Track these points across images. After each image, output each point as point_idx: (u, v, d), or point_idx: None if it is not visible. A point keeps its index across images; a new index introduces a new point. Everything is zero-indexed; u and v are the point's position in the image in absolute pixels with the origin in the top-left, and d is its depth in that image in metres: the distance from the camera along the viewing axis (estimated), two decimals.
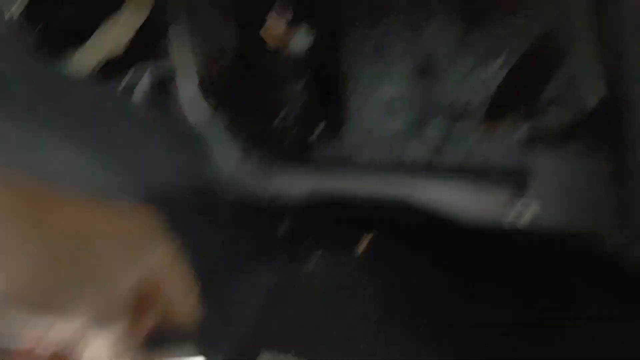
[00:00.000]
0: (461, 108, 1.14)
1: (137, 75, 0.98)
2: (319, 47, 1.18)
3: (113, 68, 0.95)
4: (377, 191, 0.90)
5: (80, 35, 0.93)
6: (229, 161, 1.00)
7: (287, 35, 1.09)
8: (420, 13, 1.14)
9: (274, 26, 1.05)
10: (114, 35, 0.93)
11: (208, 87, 0.97)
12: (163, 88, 0.97)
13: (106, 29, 0.94)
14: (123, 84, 0.96)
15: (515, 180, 0.70)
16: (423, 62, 1.19)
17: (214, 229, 0.92)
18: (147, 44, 0.97)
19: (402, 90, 1.24)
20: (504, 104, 0.94)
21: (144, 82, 0.96)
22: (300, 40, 1.11)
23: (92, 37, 0.93)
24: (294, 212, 1.01)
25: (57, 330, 0.29)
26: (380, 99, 1.29)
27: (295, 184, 0.97)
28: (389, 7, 1.19)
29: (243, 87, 1.08)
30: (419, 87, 1.21)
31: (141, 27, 0.93)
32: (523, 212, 0.70)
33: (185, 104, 0.95)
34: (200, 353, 0.66)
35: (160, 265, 0.34)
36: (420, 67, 1.20)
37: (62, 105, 0.62)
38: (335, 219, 1.13)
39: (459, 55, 1.12)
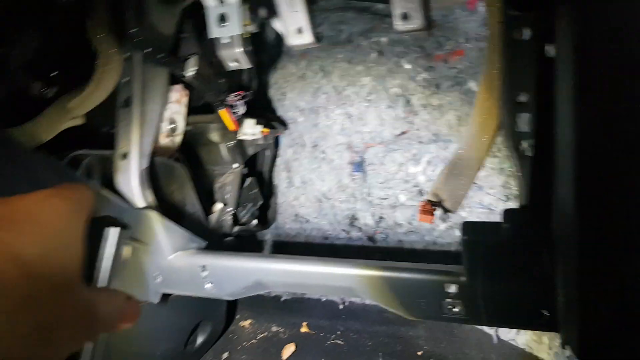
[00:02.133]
0: (394, 198, 1.23)
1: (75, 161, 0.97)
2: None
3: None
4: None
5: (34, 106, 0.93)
6: (166, 246, 0.98)
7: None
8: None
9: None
10: (73, 108, 0.93)
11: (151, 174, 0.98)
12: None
13: (63, 102, 0.95)
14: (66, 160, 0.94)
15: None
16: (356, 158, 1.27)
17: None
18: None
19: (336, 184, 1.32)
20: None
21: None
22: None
23: (48, 108, 0.93)
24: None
25: None
26: (316, 191, 1.35)
27: None
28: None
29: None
30: (353, 181, 1.29)
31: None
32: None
33: (128, 191, 0.95)
34: None
35: None
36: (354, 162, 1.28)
37: None
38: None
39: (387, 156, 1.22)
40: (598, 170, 0.34)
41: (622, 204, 0.35)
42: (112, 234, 0.44)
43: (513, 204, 1.07)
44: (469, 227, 0.65)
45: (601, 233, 0.37)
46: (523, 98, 0.60)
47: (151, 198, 0.98)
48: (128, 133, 0.93)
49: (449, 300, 0.71)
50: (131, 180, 0.95)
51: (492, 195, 1.09)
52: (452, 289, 0.69)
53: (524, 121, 0.60)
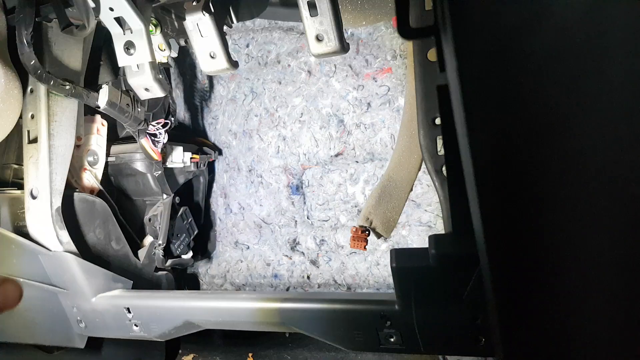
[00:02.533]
0: (334, 220, 1.20)
1: None
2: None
3: None
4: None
5: None
6: (87, 289, 0.92)
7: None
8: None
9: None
10: None
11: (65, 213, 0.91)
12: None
13: None
14: None
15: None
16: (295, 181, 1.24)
17: None
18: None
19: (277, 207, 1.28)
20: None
21: None
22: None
23: None
24: None
25: None
26: (255, 217, 1.31)
27: None
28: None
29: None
30: (294, 204, 1.25)
31: None
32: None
33: (41, 234, 0.87)
34: None
35: None
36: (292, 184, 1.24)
37: None
38: None
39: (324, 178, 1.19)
40: (499, 186, 0.32)
41: (530, 219, 0.33)
42: None
43: None
44: (397, 255, 0.62)
45: (513, 250, 0.35)
46: (438, 121, 0.58)
47: (67, 239, 0.90)
48: (36, 170, 0.86)
49: (385, 330, 0.68)
50: (43, 221, 0.87)
51: (430, 212, 1.07)
52: (387, 319, 0.66)
53: (441, 144, 0.58)
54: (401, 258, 0.64)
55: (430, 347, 0.68)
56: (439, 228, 1.08)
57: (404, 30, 0.41)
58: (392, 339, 0.70)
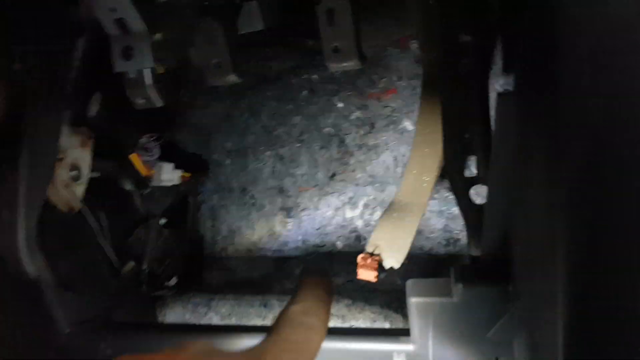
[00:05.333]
0: (330, 246, 1.14)
1: None
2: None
3: None
4: None
5: None
6: (61, 319, 0.83)
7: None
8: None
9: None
10: None
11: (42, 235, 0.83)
12: None
13: None
14: None
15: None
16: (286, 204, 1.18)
17: None
18: None
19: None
20: None
21: None
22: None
23: None
24: None
25: None
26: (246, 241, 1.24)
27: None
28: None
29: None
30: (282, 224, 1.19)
31: None
32: None
33: (12, 257, 0.79)
34: None
35: None
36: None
37: None
38: None
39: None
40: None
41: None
42: None
43: (453, 248, 1.01)
44: (415, 286, 0.57)
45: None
46: (469, 137, 0.53)
47: (41, 263, 0.82)
48: (13, 185, 0.78)
49: None
50: (16, 242, 0.79)
51: (432, 240, 1.02)
52: (400, 358, 0.60)
53: (472, 164, 0.53)
54: (419, 290, 0.58)
55: None
56: (442, 257, 1.03)
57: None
58: None
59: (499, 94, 0.36)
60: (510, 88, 0.32)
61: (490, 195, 0.45)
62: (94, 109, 0.82)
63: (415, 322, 0.59)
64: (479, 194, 0.54)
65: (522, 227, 0.41)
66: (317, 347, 0.31)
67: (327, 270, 0.36)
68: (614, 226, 0.24)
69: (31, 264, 0.79)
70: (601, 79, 0.25)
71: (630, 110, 0.26)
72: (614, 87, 0.25)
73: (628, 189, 0.23)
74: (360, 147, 1.08)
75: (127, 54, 0.72)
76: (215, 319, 1.28)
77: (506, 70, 0.39)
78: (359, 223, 1.10)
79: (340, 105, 1.09)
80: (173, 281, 1.20)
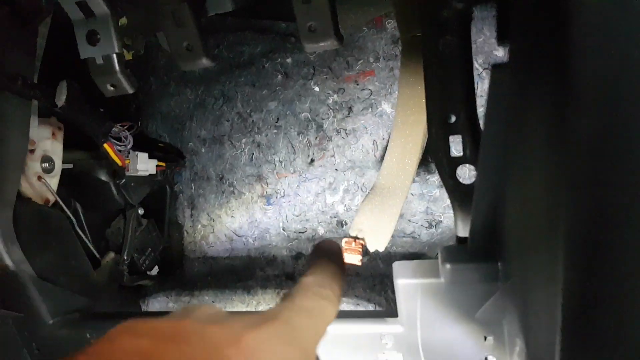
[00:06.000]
0: (312, 231, 1.12)
1: None
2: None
3: None
4: None
5: None
6: (43, 310, 0.81)
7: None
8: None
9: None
10: None
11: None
12: None
13: None
14: None
15: None
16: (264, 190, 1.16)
17: None
18: None
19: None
20: None
21: None
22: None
23: None
24: None
25: None
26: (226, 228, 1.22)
27: None
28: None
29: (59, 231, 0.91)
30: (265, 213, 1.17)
31: None
32: None
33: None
34: None
35: None
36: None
37: None
38: None
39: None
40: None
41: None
42: None
43: (435, 231, 1.01)
44: (402, 268, 0.56)
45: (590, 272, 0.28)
46: (454, 118, 0.52)
47: (20, 256, 0.79)
48: None
49: (384, 354, 0.61)
50: None
51: (414, 223, 1.02)
52: (388, 340, 0.60)
53: (458, 144, 0.52)
54: (406, 272, 0.58)
55: None
56: (424, 239, 1.03)
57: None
58: None
59: (493, 66, 0.35)
60: (504, 60, 0.31)
61: (480, 173, 0.44)
62: (61, 98, 0.79)
63: (402, 304, 0.58)
64: (465, 174, 0.53)
65: (515, 206, 0.40)
66: (331, 318, 0.31)
67: (338, 245, 0.35)
68: (620, 211, 0.24)
69: (9, 257, 0.77)
70: (614, 50, 0.24)
71: None
72: (629, 59, 0.24)
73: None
74: (338, 131, 1.06)
75: (92, 39, 0.68)
76: None
77: (500, 40, 0.37)
78: (340, 208, 1.09)
79: (316, 89, 1.07)
80: (155, 270, 1.18)
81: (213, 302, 1.25)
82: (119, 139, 0.93)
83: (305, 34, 0.62)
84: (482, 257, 0.50)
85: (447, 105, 0.52)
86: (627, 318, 0.25)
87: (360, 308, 1.10)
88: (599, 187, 0.24)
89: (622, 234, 0.24)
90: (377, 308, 1.07)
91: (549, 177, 0.28)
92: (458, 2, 0.44)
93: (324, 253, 0.35)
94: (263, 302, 1.20)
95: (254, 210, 1.17)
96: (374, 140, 1.04)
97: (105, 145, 0.89)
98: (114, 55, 0.68)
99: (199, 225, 1.25)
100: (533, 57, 0.28)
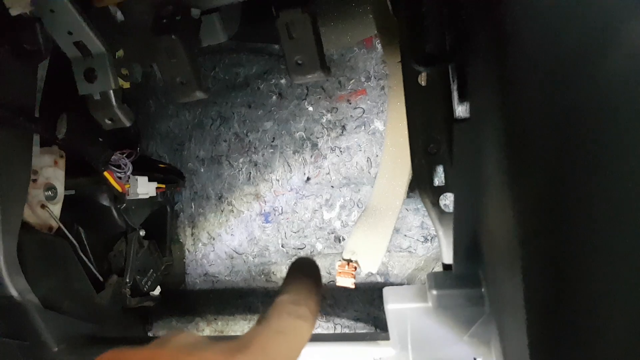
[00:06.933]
0: (310, 247, 1.15)
1: None
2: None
3: None
4: None
5: None
6: (48, 338, 0.84)
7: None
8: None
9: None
10: None
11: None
12: None
13: None
14: None
15: None
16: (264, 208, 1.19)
17: None
18: None
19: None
20: None
21: None
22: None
23: None
24: None
25: None
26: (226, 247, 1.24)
27: None
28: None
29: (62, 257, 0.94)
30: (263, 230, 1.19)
31: None
32: None
33: (3, 273, 0.79)
34: None
35: None
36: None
37: None
38: None
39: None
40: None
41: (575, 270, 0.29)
42: None
43: (431, 245, 1.03)
44: (391, 294, 0.58)
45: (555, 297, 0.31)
46: (435, 148, 0.54)
47: (24, 284, 0.82)
48: None
49: None
50: None
51: (410, 238, 1.04)
52: None
53: (440, 174, 0.54)
54: (395, 297, 0.60)
55: None
56: (420, 254, 1.05)
57: (420, 57, 0.37)
58: None
59: (455, 121, 0.37)
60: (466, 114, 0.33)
61: (456, 206, 0.46)
62: (62, 130, 0.81)
63: (394, 328, 0.60)
64: (448, 203, 0.55)
65: (488, 234, 0.42)
66: (307, 336, 0.31)
67: (315, 261, 0.36)
68: (567, 247, 0.26)
69: (14, 287, 0.79)
70: (553, 114, 0.27)
71: (578, 143, 0.27)
72: (567, 126, 0.26)
73: (576, 210, 0.25)
74: (333, 149, 1.08)
75: (90, 76, 0.71)
76: (201, 325, 1.29)
77: (461, 98, 0.40)
78: (337, 224, 1.11)
79: (310, 108, 1.09)
80: (157, 291, 1.20)
81: (215, 319, 1.27)
82: (118, 166, 0.95)
83: (292, 67, 0.64)
84: (466, 283, 0.52)
85: (428, 135, 0.54)
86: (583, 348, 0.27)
87: (360, 323, 1.12)
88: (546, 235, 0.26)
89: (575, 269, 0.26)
90: (377, 323, 1.09)
91: (505, 219, 0.30)
92: (414, 65, 0.46)
93: (299, 269, 0.36)
94: None
95: (252, 227, 1.20)
96: (368, 157, 1.06)
97: (106, 173, 0.92)
98: (111, 92, 0.70)
99: (200, 244, 1.27)
100: (486, 116, 0.30)
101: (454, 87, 0.47)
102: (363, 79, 1.06)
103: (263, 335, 0.29)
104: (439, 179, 0.55)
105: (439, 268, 0.64)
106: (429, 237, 1.02)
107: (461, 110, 0.47)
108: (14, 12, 0.66)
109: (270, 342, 0.29)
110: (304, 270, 0.35)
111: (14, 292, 0.81)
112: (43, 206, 0.94)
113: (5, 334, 0.84)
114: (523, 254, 0.30)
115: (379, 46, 1.05)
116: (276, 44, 1.10)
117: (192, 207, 1.27)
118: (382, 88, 1.04)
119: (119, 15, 0.71)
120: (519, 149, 0.30)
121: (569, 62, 0.30)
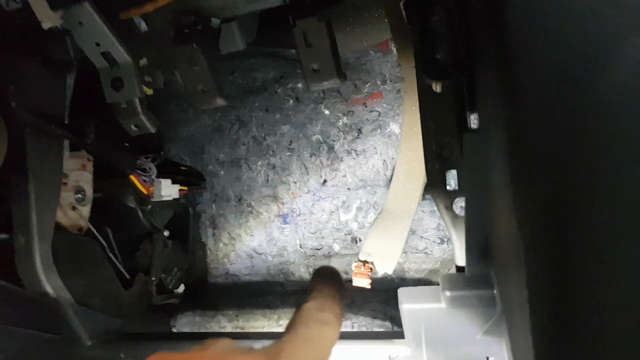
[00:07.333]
0: (327, 248, 1.17)
1: None
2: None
3: None
4: None
5: None
6: (82, 333, 0.88)
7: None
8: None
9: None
10: None
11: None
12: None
13: None
14: None
15: None
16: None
17: None
18: None
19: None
20: None
21: None
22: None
23: None
24: None
25: None
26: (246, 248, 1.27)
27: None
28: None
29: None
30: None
31: None
32: None
33: (31, 278, 0.83)
34: None
35: None
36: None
37: None
38: None
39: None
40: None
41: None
42: None
43: (447, 247, 1.04)
44: (406, 295, 0.60)
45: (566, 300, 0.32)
46: (449, 153, 0.56)
47: (59, 283, 0.86)
48: (25, 213, 0.82)
49: None
50: (34, 266, 0.82)
51: (426, 239, 1.05)
52: None
53: (453, 178, 0.56)
54: (410, 298, 0.62)
55: None
56: (436, 255, 1.06)
57: (430, 69, 0.39)
58: None
59: (465, 132, 0.39)
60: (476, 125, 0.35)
61: (468, 210, 0.48)
62: (90, 136, 0.85)
63: (408, 327, 0.62)
64: (461, 207, 0.57)
65: (496, 242, 0.44)
66: (334, 341, 0.33)
67: (336, 269, 0.38)
68: (566, 252, 0.28)
69: (49, 285, 0.83)
70: (558, 126, 0.29)
71: (579, 151, 0.29)
72: (571, 136, 0.28)
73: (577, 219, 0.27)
74: (349, 152, 1.11)
75: (117, 85, 0.74)
76: (223, 321, 1.32)
77: (471, 109, 0.41)
78: (354, 225, 1.13)
79: (326, 112, 1.12)
80: (181, 288, 1.24)
81: (236, 316, 1.30)
82: (143, 170, 0.99)
83: (309, 74, 0.66)
84: (478, 285, 0.54)
85: (441, 140, 0.56)
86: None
87: (377, 321, 1.14)
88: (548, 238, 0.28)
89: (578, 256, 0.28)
90: (393, 322, 1.11)
91: (512, 225, 0.32)
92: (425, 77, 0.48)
93: (323, 276, 0.37)
94: (283, 315, 1.25)
95: (271, 228, 1.23)
96: (384, 160, 1.08)
97: (132, 177, 0.96)
98: (137, 99, 0.74)
99: (221, 244, 1.31)
100: (495, 127, 0.32)
101: (466, 98, 0.48)
102: (379, 82, 1.08)
103: (292, 343, 0.31)
104: (453, 182, 0.57)
105: (454, 270, 0.66)
106: (445, 239, 1.04)
107: (472, 119, 0.48)
108: (45, 25, 0.69)
109: (300, 350, 0.31)
110: (327, 277, 0.37)
111: (49, 289, 0.84)
112: (74, 208, 0.98)
113: (41, 327, 0.88)
114: (527, 257, 0.31)
115: (394, 49, 1.06)
116: (292, 49, 1.12)
117: (213, 209, 1.30)
118: (398, 91, 1.06)
119: (143, 26, 0.74)
120: (524, 158, 0.31)
121: (572, 74, 0.32)
